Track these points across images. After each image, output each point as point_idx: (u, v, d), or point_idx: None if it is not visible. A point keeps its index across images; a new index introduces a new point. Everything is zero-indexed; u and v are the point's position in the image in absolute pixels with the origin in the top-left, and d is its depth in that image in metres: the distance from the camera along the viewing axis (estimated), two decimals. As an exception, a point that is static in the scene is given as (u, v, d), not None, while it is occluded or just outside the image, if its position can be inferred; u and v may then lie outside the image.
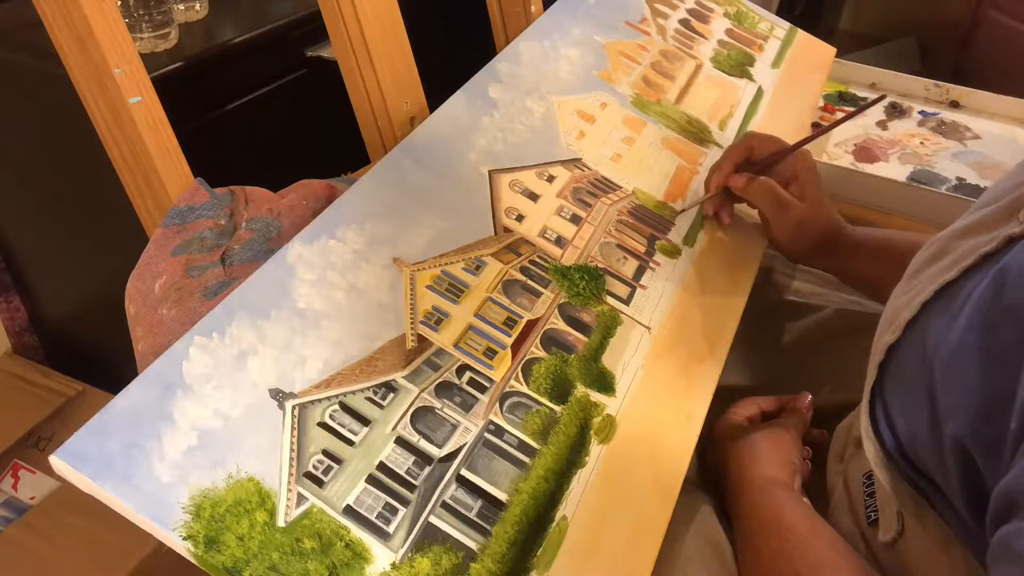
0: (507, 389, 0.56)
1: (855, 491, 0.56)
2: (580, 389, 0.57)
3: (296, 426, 0.49)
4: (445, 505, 0.49)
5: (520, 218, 0.67)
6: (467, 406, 0.54)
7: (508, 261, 0.63)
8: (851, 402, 0.66)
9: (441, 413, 0.53)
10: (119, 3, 1.00)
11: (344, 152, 0.78)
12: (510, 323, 0.60)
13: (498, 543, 0.48)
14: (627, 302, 0.65)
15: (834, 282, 0.84)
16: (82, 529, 1.03)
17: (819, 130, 0.77)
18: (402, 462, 0.50)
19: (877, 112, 1.21)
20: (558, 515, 0.50)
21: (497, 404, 0.55)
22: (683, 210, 0.75)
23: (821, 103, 1.23)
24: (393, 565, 0.45)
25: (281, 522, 0.45)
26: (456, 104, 0.73)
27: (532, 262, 0.64)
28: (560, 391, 0.57)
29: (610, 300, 0.64)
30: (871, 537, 0.53)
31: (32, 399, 1.21)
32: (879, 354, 0.50)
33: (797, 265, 0.87)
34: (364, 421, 0.51)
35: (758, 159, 0.73)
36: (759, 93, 0.93)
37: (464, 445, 0.52)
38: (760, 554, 0.53)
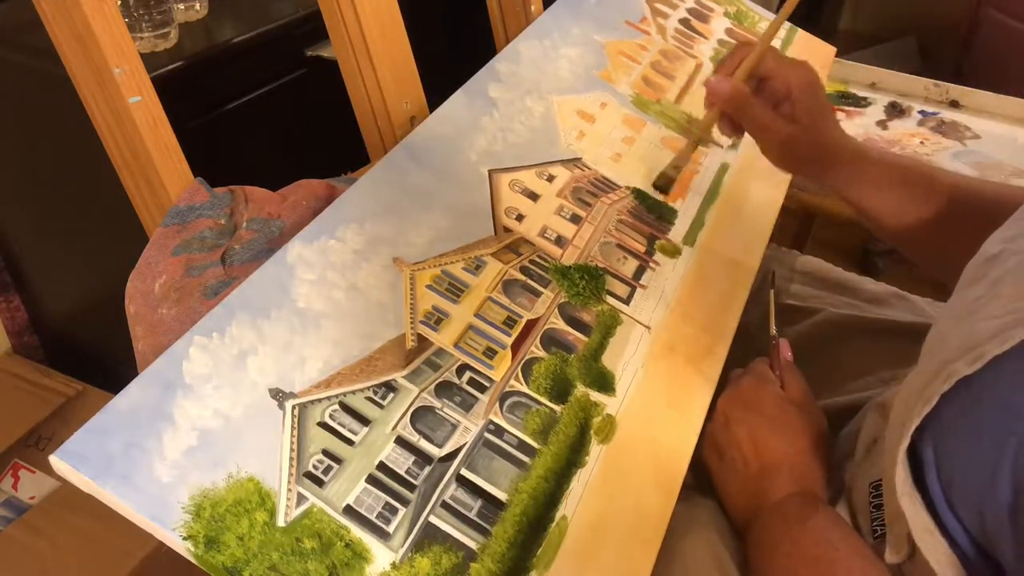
0: (507, 389, 0.56)
1: (859, 500, 0.55)
2: (580, 389, 0.57)
3: (296, 426, 0.49)
4: (445, 505, 0.49)
5: (520, 218, 0.67)
6: (467, 406, 0.54)
7: (508, 261, 0.63)
8: (851, 406, 0.66)
9: (441, 413, 0.53)
10: (119, 3, 1.00)
11: (344, 152, 0.78)
12: (510, 323, 0.60)
13: (498, 543, 0.48)
14: (627, 302, 0.65)
15: (830, 286, 0.84)
16: (82, 529, 1.03)
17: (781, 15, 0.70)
18: (402, 462, 0.50)
19: (878, 112, 1.21)
20: (558, 515, 0.50)
21: (497, 404, 0.55)
22: (679, 161, 0.72)
23: (821, 103, 1.23)
24: (393, 565, 0.45)
25: (281, 522, 0.45)
26: (456, 104, 0.73)
27: (532, 262, 0.64)
28: (560, 391, 0.57)
29: (610, 300, 0.64)
30: (874, 550, 0.51)
31: (32, 399, 1.21)
32: (942, 381, 0.41)
33: (795, 269, 0.86)
34: (364, 421, 0.51)
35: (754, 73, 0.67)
36: (759, 93, 0.93)
37: (464, 445, 0.52)
38: None
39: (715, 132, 0.71)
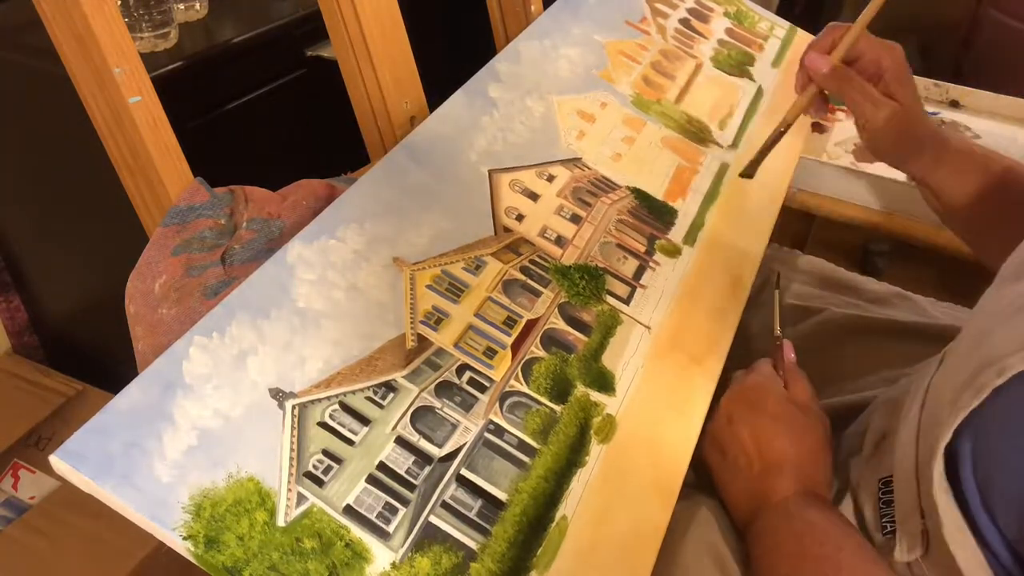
0: (507, 389, 0.56)
1: (865, 497, 0.54)
2: (580, 389, 0.57)
3: (296, 426, 0.49)
4: (445, 505, 0.49)
5: (520, 218, 0.67)
6: (467, 406, 0.54)
7: (508, 261, 0.63)
8: (854, 405, 0.66)
9: (441, 413, 0.53)
10: (119, 3, 1.00)
11: (344, 152, 0.78)
12: (510, 323, 0.60)
13: (498, 543, 0.48)
14: (627, 302, 0.65)
15: (833, 286, 0.84)
16: (82, 529, 1.03)
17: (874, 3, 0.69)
18: (402, 462, 0.50)
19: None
20: (558, 515, 0.50)
21: (497, 404, 0.55)
22: (772, 138, 0.72)
23: (821, 103, 1.23)
24: (393, 565, 0.45)
25: (281, 522, 0.45)
26: (456, 104, 0.73)
27: (532, 262, 0.64)
28: (560, 391, 0.57)
29: (610, 300, 0.64)
30: (880, 547, 0.51)
31: (32, 399, 1.21)
32: (995, 375, 0.40)
33: (796, 269, 0.86)
34: (364, 421, 0.51)
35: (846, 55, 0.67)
36: (759, 93, 0.93)
37: (464, 445, 0.52)
38: None
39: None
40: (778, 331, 0.66)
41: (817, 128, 1.17)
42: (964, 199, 0.66)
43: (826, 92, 0.71)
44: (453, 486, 0.50)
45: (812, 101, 0.70)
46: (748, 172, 0.74)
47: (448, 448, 0.51)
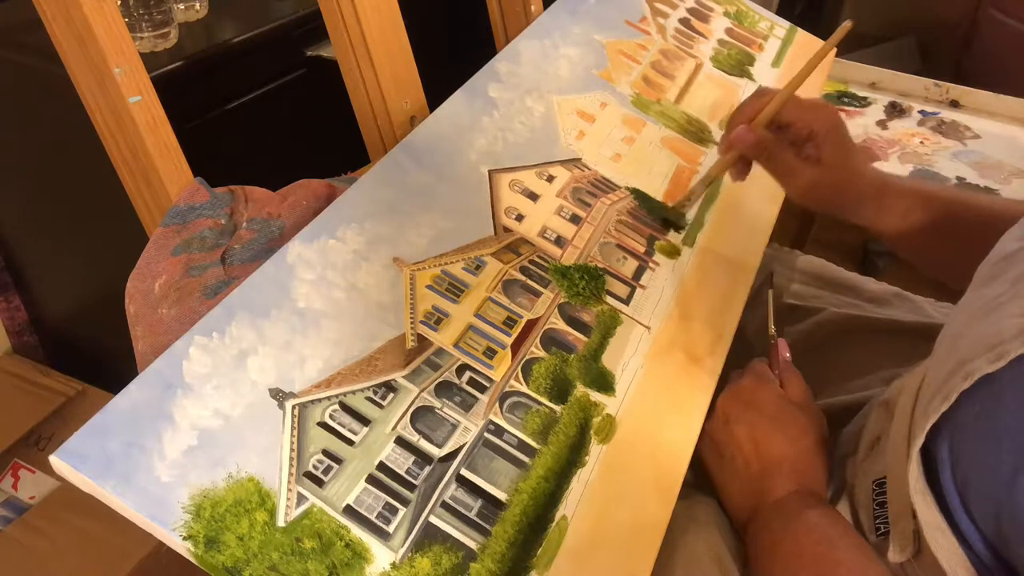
0: (507, 389, 0.56)
1: (861, 498, 0.55)
2: (580, 389, 0.57)
3: (296, 426, 0.49)
4: (445, 505, 0.49)
5: (520, 218, 0.67)
6: (467, 406, 0.54)
7: (508, 261, 0.63)
8: (852, 405, 0.66)
9: (441, 413, 0.53)
10: (119, 3, 1.00)
11: (344, 152, 0.78)
12: (510, 323, 0.60)
13: (498, 543, 0.48)
14: (627, 302, 0.65)
15: (831, 285, 0.84)
16: (82, 529, 1.03)
17: (805, 69, 0.71)
18: (402, 462, 0.50)
19: (878, 112, 1.21)
20: (558, 515, 0.50)
21: (497, 404, 0.55)
22: (691, 196, 0.73)
23: (821, 103, 1.23)
24: (393, 565, 0.45)
25: (281, 522, 0.45)
26: (456, 104, 0.73)
27: (532, 262, 0.64)
28: (560, 391, 0.57)
29: (610, 300, 0.64)
30: (876, 549, 0.51)
31: (32, 399, 1.21)
32: (961, 379, 0.40)
33: (795, 269, 0.86)
34: (364, 421, 0.51)
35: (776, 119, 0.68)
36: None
37: (464, 445, 0.52)
38: None
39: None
40: (772, 330, 0.66)
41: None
42: (917, 239, 0.67)
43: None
44: (453, 486, 0.50)
45: (730, 165, 0.70)
46: (673, 220, 0.74)
47: (448, 448, 0.51)
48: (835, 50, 1.08)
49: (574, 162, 0.75)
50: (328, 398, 0.51)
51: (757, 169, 0.75)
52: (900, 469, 0.47)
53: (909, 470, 0.43)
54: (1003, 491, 0.39)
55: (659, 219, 0.73)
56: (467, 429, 0.53)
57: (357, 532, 0.46)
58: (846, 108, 1.22)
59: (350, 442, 0.49)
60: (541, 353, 0.59)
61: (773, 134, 0.67)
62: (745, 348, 0.68)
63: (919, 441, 0.43)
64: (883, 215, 0.67)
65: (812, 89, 0.99)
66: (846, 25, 0.71)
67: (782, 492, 0.54)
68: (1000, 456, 0.39)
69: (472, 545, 0.48)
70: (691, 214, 0.75)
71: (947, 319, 0.50)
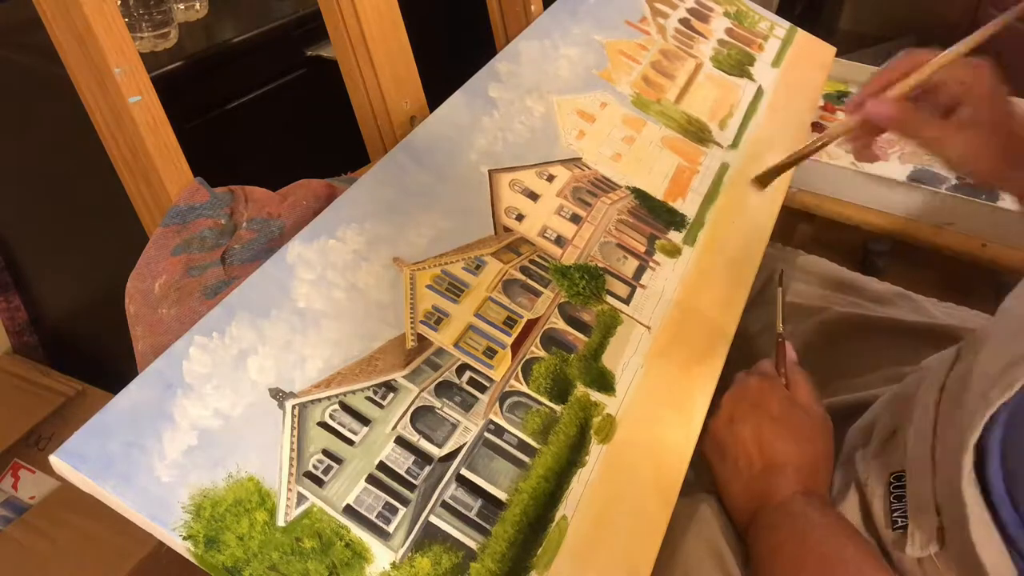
0: (507, 388, 0.56)
1: (874, 492, 0.54)
2: (580, 389, 0.57)
3: (296, 426, 0.49)
4: (445, 505, 0.49)
5: (520, 217, 0.67)
6: (467, 405, 0.54)
7: (508, 260, 0.63)
8: (856, 404, 0.66)
9: (441, 413, 0.53)
10: (119, 3, 1.00)
11: (344, 152, 0.78)
12: (510, 322, 0.59)
13: (498, 543, 0.48)
14: (627, 301, 0.65)
15: (834, 285, 0.84)
16: (82, 529, 1.03)
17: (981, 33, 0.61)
18: (402, 462, 0.50)
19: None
20: (558, 515, 0.50)
21: (497, 403, 0.55)
22: (813, 146, 0.66)
23: (821, 103, 1.23)
24: (393, 565, 0.45)
25: (281, 522, 0.45)
26: (456, 104, 0.73)
27: (532, 261, 0.64)
28: (560, 391, 0.57)
29: (610, 300, 0.64)
30: (889, 542, 0.51)
31: (32, 399, 1.21)
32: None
33: (798, 268, 0.86)
34: (364, 421, 0.51)
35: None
36: (759, 92, 0.93)
37: (464, 445, 0.52)
38: None
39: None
40: (780, 329, 0.66)
41: (817, 129, 1.17)
42: None
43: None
44: (453, 486, 0.50)
45: (850, 131, 0.63)
46: (763, 180, 0.71)
47: (448, 448, 0.51)
48: (834, 50, 1.08)
49: (574, 162, 0.75)
50: (328, 398, 0.51)
51: (760, 167, 0.74)
52: (923, 463, 0.47)
53: (963, 460, 0.42)
54: None
55: (751, 182, 0.68)
56: (467, 429, 0.53)
57: (357, 532, 0.46)
58: (845, 108, 1.22)
59: (350, 442, 0.49)
60: (541, 353, 0.59)
61: (915, 102, 0.60)
62: (747, 348, 0.68)
63: (977, 431, 0.42)
64: None
65: (813, 89, 0.99)
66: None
67: (786, 493, 0.54)
68: None
69: (472, 545, 0.48)
70: (691, 213, 0.75)
71: (971, 315, 0.49)
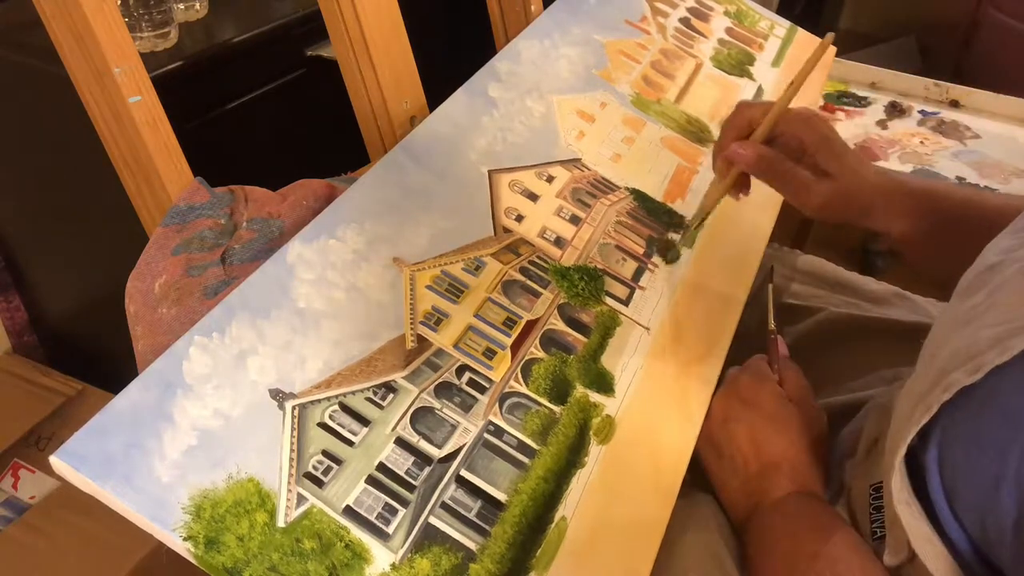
0: (506, 389, 0.56)
1: (859, 501, 0.54)
2: (579, 389, 0.57)
3: (296, 426, 0.49)
4: (445, 506, 0.49)
5: (520, 218, 0.67)
6: (467, 406, 0.54)
7: (508, 261, 0.63)
8: (852, 405, 0.66)
9: (441, 413, 0.53)
10: (119, 2, 1.00)
11: (344, 152, 0.78)
12: (509, 323, 0.60)
13: (497, 543, 0.48)
14: (626, 303, 0.65)
15: (831, 285, 0.84)
16: (82, 529, 1.03)
17: (797, 80, 0.65)
18: (402, 462, 0.50)
19: (877, 112, 1.21)
20: (557, 515, 0.50)
21: (496, 404, 0.55)
22: (696, 222, 0.71)
23: (821, 102, 1.23)
24: (393, 566, 0.45)
25: (281, 522, 0.45)
26: (456, 104, 0.73)
27: (531, 262, 0.64)
28: (559, 391, 0.57)
29: (609, 301, 0.64)
30: (875, 552, 0.50)
31: (32, 399, 1.21)
32: (942, 390, 0.41)
33: (795, 268, 0.86)
34: (364, 421, 0.51)
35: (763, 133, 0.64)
36: (759, 92, 0.93)
37: (464, 445, 0.52)
38: None
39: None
40: (772, 325, 0.66)
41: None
42: (929, 241, 0.64)
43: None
44: (453, 487, 0.50)
45: (728, 188, 0.66)
46: (673, 256, 0.71)
47: (448, 449, 0.51)
48: (834, 49, 1.08)
49: (574, 162, 0.75)
50: (328, 399, 0.51)
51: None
52: (891, 478, 0.47)
53: (893, 480, 0.43)
54: (987, 499, 0.39)
55: (662, 249, 0.71)
56: (467, 430, 0.53)
57: (357, 533, 0.46)
58: (846, 108, 1.22)
59: (350, 443, 0.49)
60: (541, 354, 0.59)
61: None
62: (745, 348, 0.68)
63: (901, 452, 0.43)
64: (893, 218, 0.64)
65: (813, 89, 0.99)
66: (827, 40, 0.67)
67: (781, 492, 0.54)
68: (983, 465, 0.39)
69: (472, 546, 0.48)
70: (691, 213, 0.75)
71: (932, 328, 0.49)
